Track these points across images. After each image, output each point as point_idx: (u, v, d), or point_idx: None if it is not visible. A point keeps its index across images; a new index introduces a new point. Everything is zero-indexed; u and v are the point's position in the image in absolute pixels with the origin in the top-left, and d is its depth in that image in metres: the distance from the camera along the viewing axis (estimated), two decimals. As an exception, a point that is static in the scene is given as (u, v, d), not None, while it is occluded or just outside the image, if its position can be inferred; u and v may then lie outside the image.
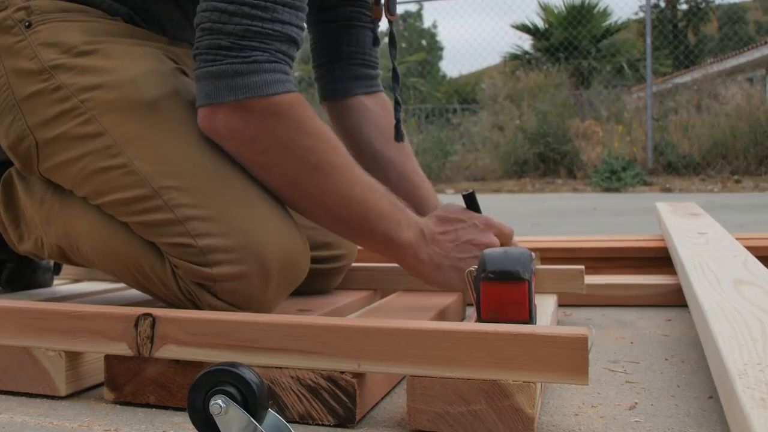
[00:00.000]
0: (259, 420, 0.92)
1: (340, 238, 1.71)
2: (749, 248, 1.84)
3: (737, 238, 2.02)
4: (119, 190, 1.37)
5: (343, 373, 1.08)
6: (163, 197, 1.34)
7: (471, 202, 1.58)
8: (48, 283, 1.92)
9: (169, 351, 1.16)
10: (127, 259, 1.41)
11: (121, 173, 1.36)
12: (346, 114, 1.90)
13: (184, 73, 1.49)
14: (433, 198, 1.89)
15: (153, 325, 1.16)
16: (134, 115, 1.39)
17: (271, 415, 0.95)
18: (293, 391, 1.10)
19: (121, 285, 1.91)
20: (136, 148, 1.37)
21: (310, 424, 1.09)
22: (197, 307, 1.37)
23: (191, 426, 0.94)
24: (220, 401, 0.91)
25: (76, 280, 2.07)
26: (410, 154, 1.91)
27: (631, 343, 1.63)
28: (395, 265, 1.58)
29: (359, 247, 1.85)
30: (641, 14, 18.33)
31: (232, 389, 0.92)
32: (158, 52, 1.48)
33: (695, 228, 2.26)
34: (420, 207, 1.79)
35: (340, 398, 1.08)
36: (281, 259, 1.36)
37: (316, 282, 1.72)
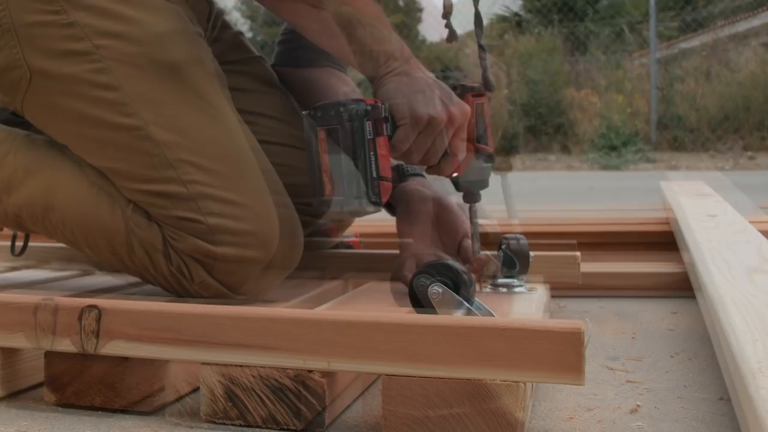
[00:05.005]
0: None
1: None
2: (765, 233, 1.85)
3: (751, 222, 2.03)
4: (126, 152, 1.41)
5: (311, 372, 1.08)
6: (177, 170, 1.39)
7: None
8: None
9: (116, 347, 1.15)
10: (111, 232, 1.44)
11: (133, 136, 1.40)
12: None
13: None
14: None
15: (99, 319, 1.16)
16: (154, 76, 1.41)
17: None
18: (255, 392, 1.09)
19: (63, 274, 1.90)
20: (153, 113, 1.40)
21: (274, 429, 1.09)
22: (181, 286, 1.43)
23: None
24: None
25: (13, 269, 2.06)
26: None
27: (633, 337, 1.64)
28: (369, 251, 1.57)
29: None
30: (644, -29, 18.33)
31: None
32: (179, 8, 1.49)
33: (704, 210, 2.27)
34: None
35: (308, 400, 1.08)
36: (284, 250, 1.45)
37: None
